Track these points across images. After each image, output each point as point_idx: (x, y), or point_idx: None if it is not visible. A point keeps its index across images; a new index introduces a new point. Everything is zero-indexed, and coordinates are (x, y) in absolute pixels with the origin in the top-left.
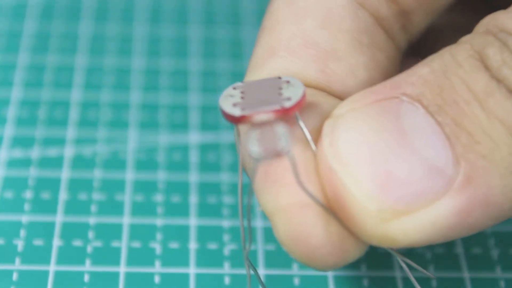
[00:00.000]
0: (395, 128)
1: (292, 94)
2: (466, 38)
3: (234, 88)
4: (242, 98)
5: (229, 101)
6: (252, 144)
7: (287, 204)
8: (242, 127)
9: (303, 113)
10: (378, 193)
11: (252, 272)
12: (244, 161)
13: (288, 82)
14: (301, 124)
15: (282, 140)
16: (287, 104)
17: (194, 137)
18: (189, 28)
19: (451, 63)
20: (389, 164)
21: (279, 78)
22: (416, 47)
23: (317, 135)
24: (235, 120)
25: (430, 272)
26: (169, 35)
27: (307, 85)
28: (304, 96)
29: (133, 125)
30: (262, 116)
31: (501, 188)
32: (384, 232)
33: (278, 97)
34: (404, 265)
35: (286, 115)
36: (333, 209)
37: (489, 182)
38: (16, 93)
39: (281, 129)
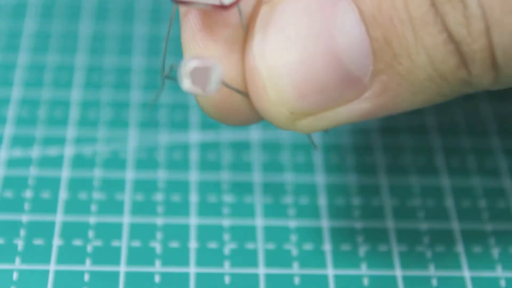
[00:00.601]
0: (326, 32)
1: None
2: None
3: None
4: None
5: None
6: (184, 77)
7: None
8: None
9: None
10: (294, 100)
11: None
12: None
13: None
14: (239, 11)
15: (213, 84)
16: (226, 1)
17: (194, 136)
18: None
19: None
20: (311, 72)
21: None
22: None
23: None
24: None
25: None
26: (170, 34)
27: None
28: None
29: (133, 124)
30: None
31: (410, 104)
32: (292, 126)
33: None
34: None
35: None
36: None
37: (400, 96)
38: (16, 93)
39: (215, 73)
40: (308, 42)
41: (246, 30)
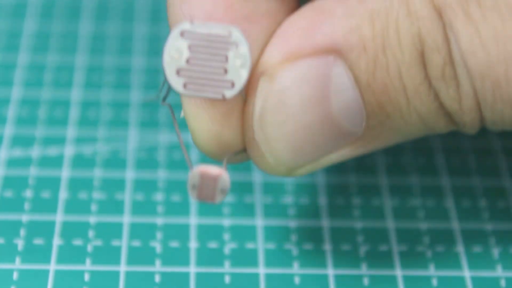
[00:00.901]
0: (322, 98)
1: (236, 78)
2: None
3: (182, 36)
4: (187, 62)
5: (174, 64)
6: (191, 187)
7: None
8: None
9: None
10: (291, 161)
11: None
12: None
13: (236, 46)
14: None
15: (220, 194)
16: (228, 95)
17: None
18: None
19: (392, 30)
20: (308, 137)
21: (229, 32)
22: None
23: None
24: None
25: (432, 269)
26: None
27: None
28: (247, 80)
29: (133, 124)
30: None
31: (398, 142)
32: (289, 176)
33: (222, 77)
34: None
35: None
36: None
37: (391, 142)
38: (16, 93)
39: (222, 184)
40: (305, 111)
41: (245, 97)
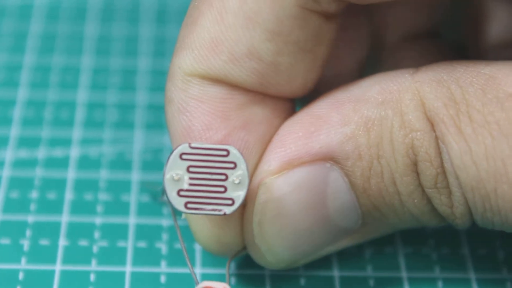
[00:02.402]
0: (319, 202)
1: (235, 196)
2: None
3: (181, 158)
4: (188, 183)
5: (175, 185)
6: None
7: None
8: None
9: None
10: (291, 260)
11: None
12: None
13: (235, 166)
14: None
15: None
16: (228, 211)
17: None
18: None
19: (387, 137)
20: (306, 238)
21: (227, 153)
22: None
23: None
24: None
25: (436, 273)
26: (175, 35)
27: (245, 90)
28: (245, 197)
29: (139, 125)
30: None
31: (394, 230)
32: (287, 268)
33: (221, 195)
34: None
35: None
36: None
37: (385, 232)
38: (22, 94)
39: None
40: (303, 216)
41: (244, 203)
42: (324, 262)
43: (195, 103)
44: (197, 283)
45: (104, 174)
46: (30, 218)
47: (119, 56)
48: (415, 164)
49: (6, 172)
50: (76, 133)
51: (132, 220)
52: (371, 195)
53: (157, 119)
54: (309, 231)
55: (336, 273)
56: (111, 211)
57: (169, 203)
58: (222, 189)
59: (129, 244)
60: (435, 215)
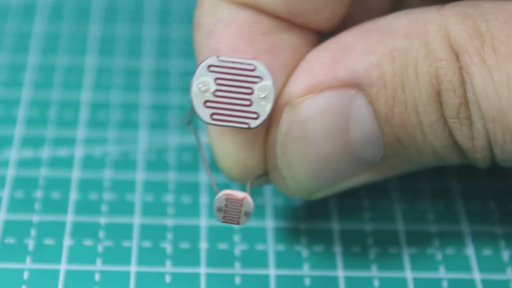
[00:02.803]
0: (342, 128)
1: (260, 110)
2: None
3: (209, 69)
4: (214, 94)
5: (201, 96)
6: (217, 210)
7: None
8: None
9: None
10: (311, 186)
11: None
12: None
13: (261, 81)
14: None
15: (244, 218)
16: (253, 125)
17: (204, 137)
18: None
19: (413, 70)
20: (327, 164)
21: (254, 68)
22: None
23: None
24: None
25: (441, 273)
26: (179, 35)
27: (272, 15)
28: (271, 111)
29: (143, 125)
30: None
31: (411, 170)
32: (308, 198)
33: (247, 108)
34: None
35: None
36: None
37: (405, 170)
38: (26, 94)
39: (247, 207)
40: (326, 140)
41: (268, 125)
42: (329, 261)
43: (223, 26)
44: (217, 191)
45: (108, 174)
46: (35, 218)
47: (123, 56)
48: (438, 93)
49: (11, 172)
50: (80, 132)
51: (137, 220)
52: (393, 125)
53: (161, 119)
54: (330, 158)
55: (340, 273)
56: (116, 211)
57: (192, 109)
58: (248, 102)
59: (134, 244)
60: (456, 149)
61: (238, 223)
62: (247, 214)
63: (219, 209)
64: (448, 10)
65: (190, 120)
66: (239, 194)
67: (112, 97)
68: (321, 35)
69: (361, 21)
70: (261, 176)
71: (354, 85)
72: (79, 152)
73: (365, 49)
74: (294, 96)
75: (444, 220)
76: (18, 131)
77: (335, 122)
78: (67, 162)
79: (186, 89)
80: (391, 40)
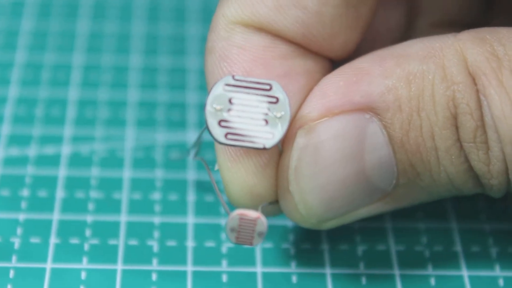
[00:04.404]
0: (356, 154)
1: (276, 131)
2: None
3: (224, 89)
4: (229, 112)
5: (216, 115)
6: (230, 230)
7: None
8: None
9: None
10: (322, 214)
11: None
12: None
13: (277, 101)
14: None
15: (257, 239)
16: (268, 145)
17: (191, 135)
18: (187, 26)
19: (428, 95)
20: (339, 190)
21: (270, 87)
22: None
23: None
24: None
25: (430, 271)
26: (167, 33)
27: (287, 41)
28: (286, 130)
29: (131, 123)
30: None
31: (423, 201)
32: (318, 228)
33: (262, 128)
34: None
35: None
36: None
37: (418, 200)
38: (13, 91)
39: (260, 227)
40: (339, 165)
41: (281, 149)
42: (316, 258)
43: (237, 50)
44: (229, 212)
45: (95, 172)
46: (21, 216)
47: (111, 54)
48: (455, 117)
49: None
50: (68, 130)
51: (123, 218)
52: (408, 150)
53: (149, 116)
54: (343, 183)
55: (328, 270)
56: (103, 209)
57: (198, 139)
58: (263, 123)
59: (121, 242)
60: (471, 175)
61: (251, 244)
62: (260, 234)
63: (232, 230)
64: (465, 35)
65: (197, 150)
66: (252, 214)
67: (100, 95)
68: (334, 64)
69: (373, 50)
70: (270, 204)
71: (369, 109)
72: (66, 150)
73: (380, 73)
74: (309, 119)
75: (432, 217)
76: (5, 129)
77: (349, 146)
78: (54, 160)
79: (174, 87)
80: (407, 64)
